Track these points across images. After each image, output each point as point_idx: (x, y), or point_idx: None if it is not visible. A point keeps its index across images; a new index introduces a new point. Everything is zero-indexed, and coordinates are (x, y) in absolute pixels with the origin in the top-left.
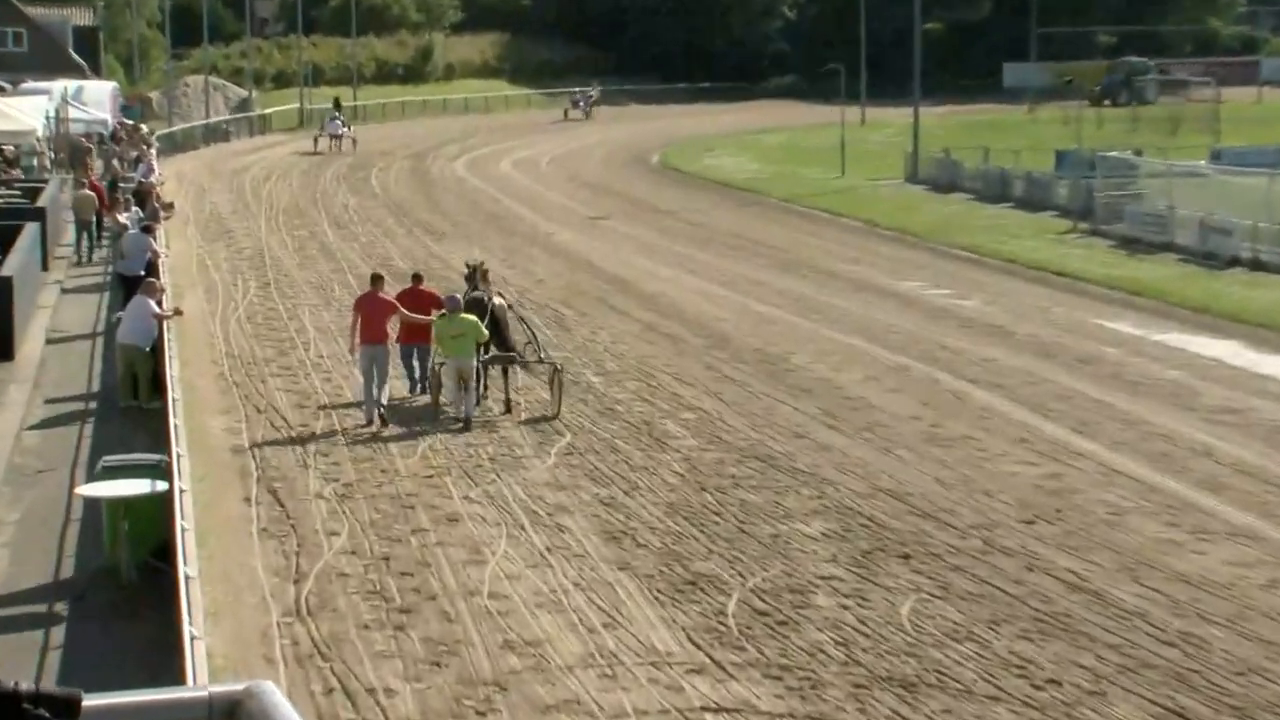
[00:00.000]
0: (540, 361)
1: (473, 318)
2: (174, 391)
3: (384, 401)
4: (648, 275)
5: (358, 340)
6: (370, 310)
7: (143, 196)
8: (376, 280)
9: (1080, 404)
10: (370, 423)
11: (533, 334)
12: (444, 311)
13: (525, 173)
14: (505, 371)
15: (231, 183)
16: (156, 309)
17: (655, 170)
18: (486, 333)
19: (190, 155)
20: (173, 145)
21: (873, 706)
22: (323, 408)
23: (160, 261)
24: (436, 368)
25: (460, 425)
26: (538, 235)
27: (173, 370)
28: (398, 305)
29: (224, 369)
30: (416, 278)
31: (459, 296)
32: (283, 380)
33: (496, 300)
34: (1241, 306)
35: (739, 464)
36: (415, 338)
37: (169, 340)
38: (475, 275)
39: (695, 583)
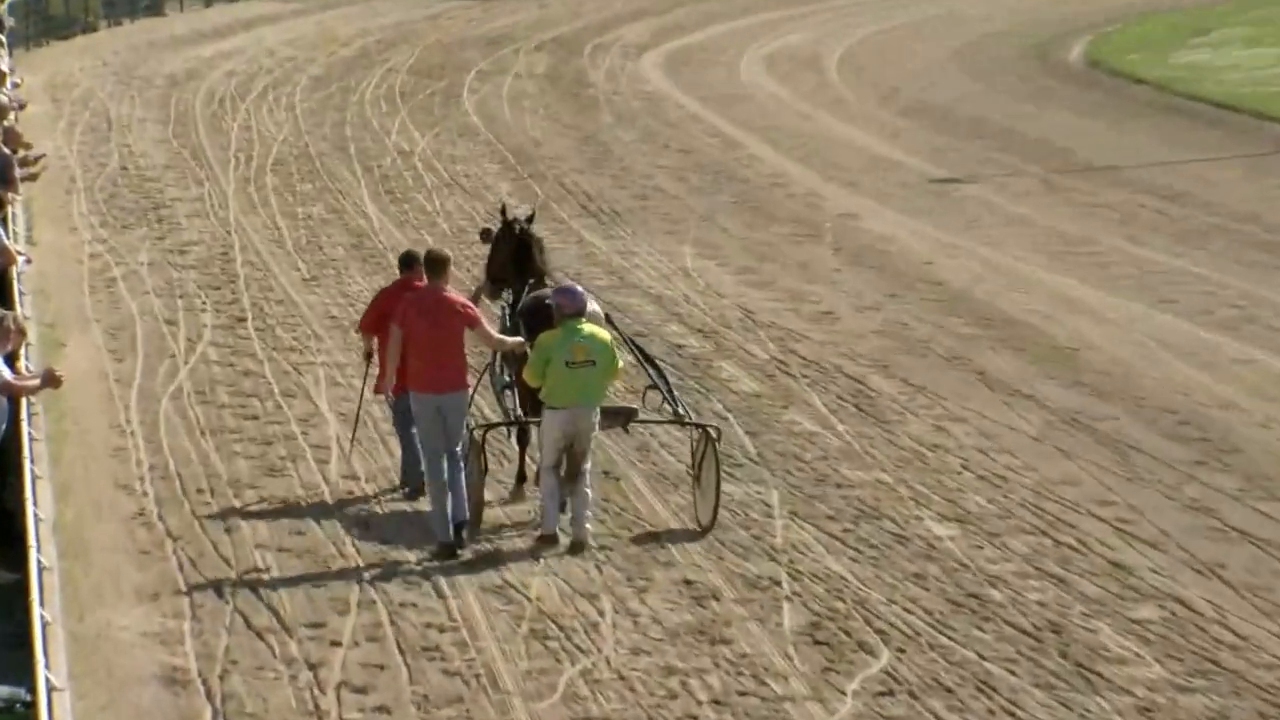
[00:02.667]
0: (677, 422)
1: (605, 334)
2: (41, 552)
3: (465, 501)
4: (1061, 306)
5: (395, 379)
6: (426, 322)
7: None
8: (435, 265)
9: None
10: (452, 550)
11: (657, 371)
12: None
13: (792, 82)
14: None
15: (168, 103)
16: (6, 373)
17: (1075, 74)
18: (620, 363)
19: (80, 45)
20: (44, 25)
21: None
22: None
23: (16, 272)
24: (478, 436)
25: (563, 548)
26: (822, 219)
27: (38, 506)
28: (478, 315)
29: (146, 503)
30: (432, 262)
31: (578, 287)
32: (272, 529)
33: (594, 306)
34: None
35: None
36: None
37: (32, 439)
38: (527, 243)
39: None
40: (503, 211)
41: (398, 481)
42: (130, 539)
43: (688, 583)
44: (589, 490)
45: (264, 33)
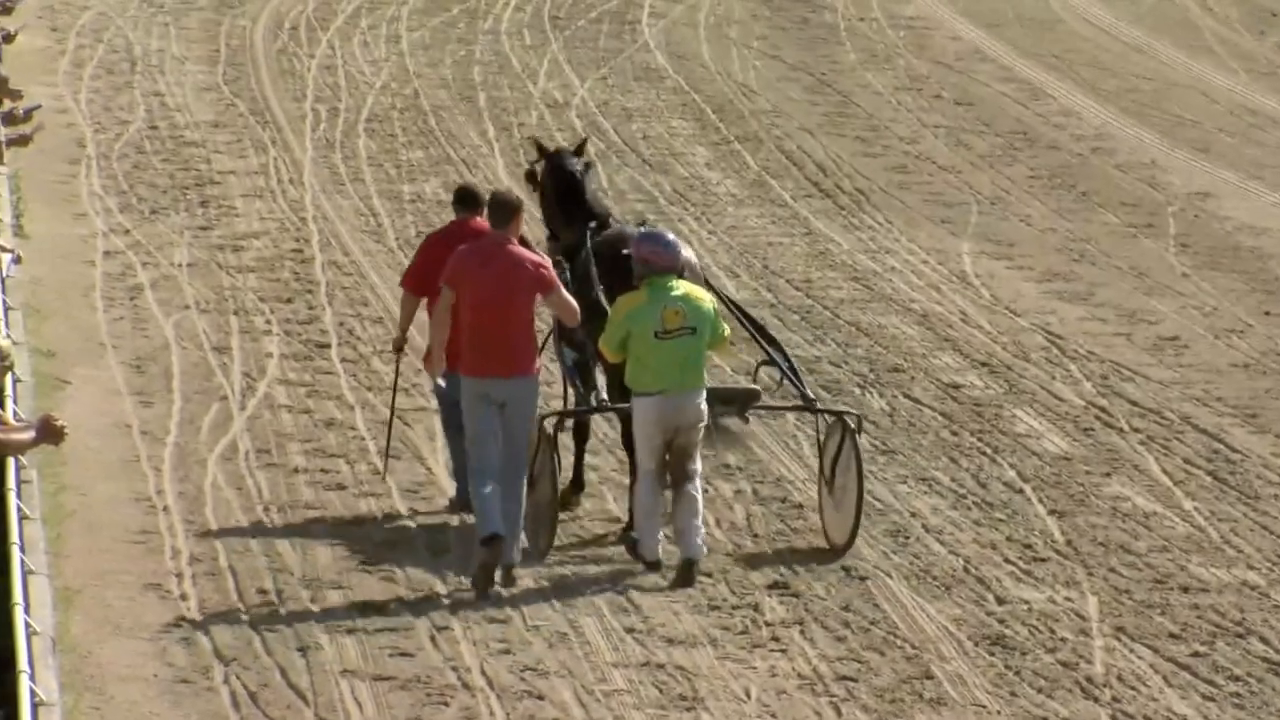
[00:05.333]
0: (804, 408)
1: (704, 293)
2: (36, 681)
3: (519, 535)
4: None
5: (444, 358)
6: (485, 283)
7: None
8: (502, 210)
9: None
10: (488, 583)
11: (768, 339)
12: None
13: None
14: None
15: (216, 34)
16: None
17: None
18: (727, 329)
19: None
20: None
21: None
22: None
23: (0, 277)
24: (549, 428)
25: (672, 580)
26: (1164, 201)
27: (31, 616)
28: (555, 277)
29: (186, 610)
30: (498, 206)
31: (669, 234)
32: (365, 649)
33: (689, 253)
34: None
35: None
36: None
37: (22, 518)
38: (572, 176)
39: None
40: (538, 147)
41: (449, 500)
42: (162, 663)
43: None
44: (698, 494)
45: None
